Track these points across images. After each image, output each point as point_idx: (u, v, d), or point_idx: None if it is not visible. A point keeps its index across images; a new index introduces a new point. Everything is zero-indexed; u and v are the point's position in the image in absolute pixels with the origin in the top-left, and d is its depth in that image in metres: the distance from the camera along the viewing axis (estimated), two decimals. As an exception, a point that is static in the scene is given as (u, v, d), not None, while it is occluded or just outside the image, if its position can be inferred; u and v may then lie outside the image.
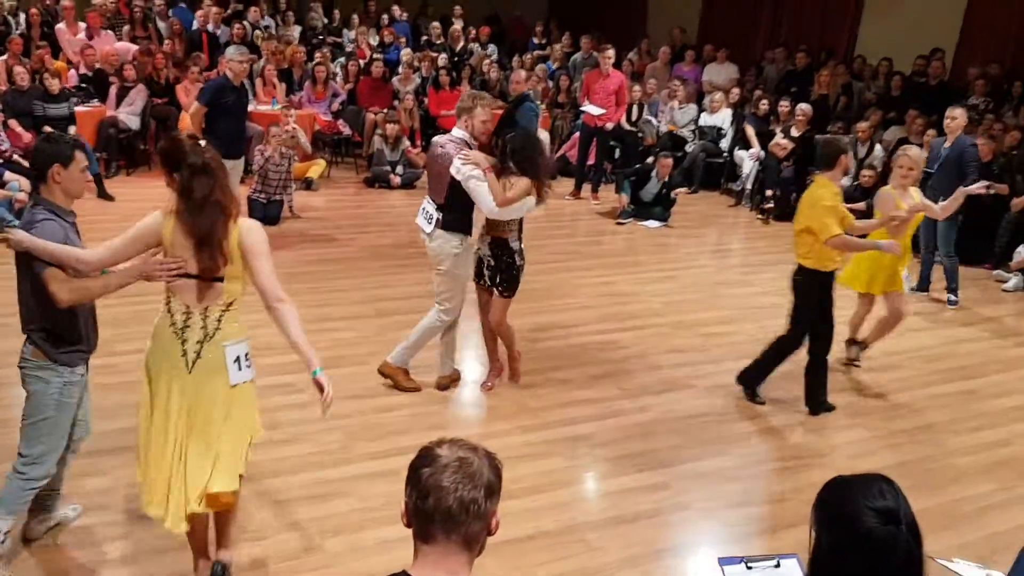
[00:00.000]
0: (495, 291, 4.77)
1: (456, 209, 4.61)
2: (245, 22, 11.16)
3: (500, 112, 9.60)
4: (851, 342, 5.84)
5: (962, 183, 6.16)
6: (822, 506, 1.81)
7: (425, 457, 1.67)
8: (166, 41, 10.78)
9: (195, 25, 11.11)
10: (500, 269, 4.69)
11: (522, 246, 4.74)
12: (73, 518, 3.53)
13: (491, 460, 1.69)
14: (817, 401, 5.05)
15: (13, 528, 3.24)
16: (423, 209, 4.78)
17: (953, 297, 7.27)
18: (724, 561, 2.25)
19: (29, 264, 2.98)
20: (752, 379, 5.16)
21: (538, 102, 10.12)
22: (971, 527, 4.05)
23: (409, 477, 1.68)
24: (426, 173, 5.30)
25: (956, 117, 6.96)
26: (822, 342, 4.94)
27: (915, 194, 5.39)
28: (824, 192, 4.74)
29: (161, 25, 11.27)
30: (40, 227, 2.94)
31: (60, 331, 3.07)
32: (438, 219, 4.64)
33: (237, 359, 2.94)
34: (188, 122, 8.70)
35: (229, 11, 11.64)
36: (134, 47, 10.28)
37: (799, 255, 4.86)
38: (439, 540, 1.62)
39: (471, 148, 4.63)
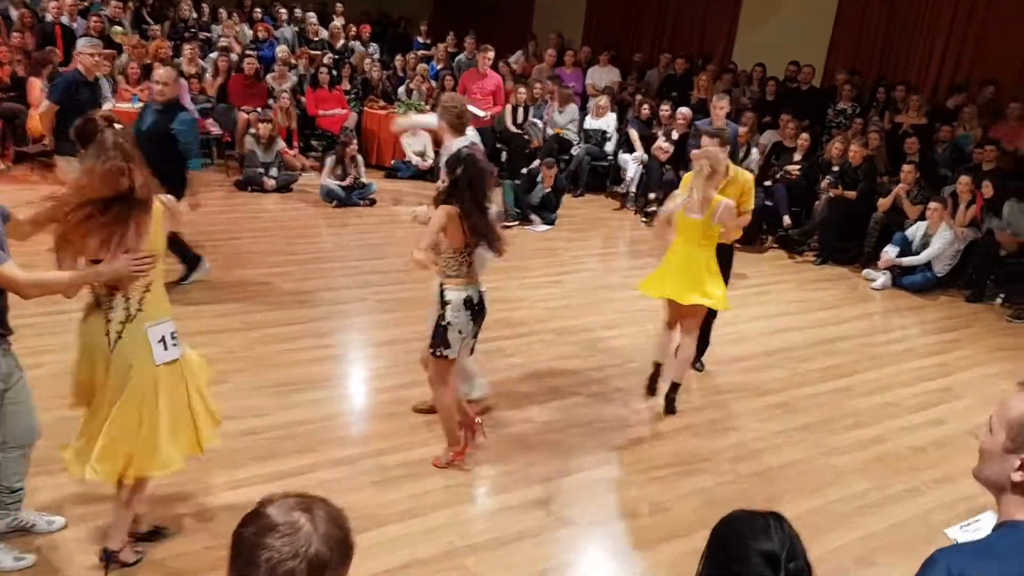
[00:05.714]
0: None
1: None
2: (103, 14, 10.39)
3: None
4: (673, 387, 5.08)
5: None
6: (712, 536, 1.77)
7: (251, 514, 1.41)
8: (14, 33, 9.91)
9: (48, 17, 10.28)
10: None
11: (465, 296, 3.94)
12: None
13: (331, 525, 1.40)
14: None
15: None
16: None
17: None
18: None
19: None
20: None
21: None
22: (848, 528, 4.07)
23: (232, 535, 1.42)
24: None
25: (723, 107, 7.19)
26: None
27: None
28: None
29: (14, 14, 10.37)
30: None
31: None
32: None
33: (162, 339, 2.99)
34: (36, 121, 8.02)
35: (86, 3, 10.84)
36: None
37: None
38: None
39: None
